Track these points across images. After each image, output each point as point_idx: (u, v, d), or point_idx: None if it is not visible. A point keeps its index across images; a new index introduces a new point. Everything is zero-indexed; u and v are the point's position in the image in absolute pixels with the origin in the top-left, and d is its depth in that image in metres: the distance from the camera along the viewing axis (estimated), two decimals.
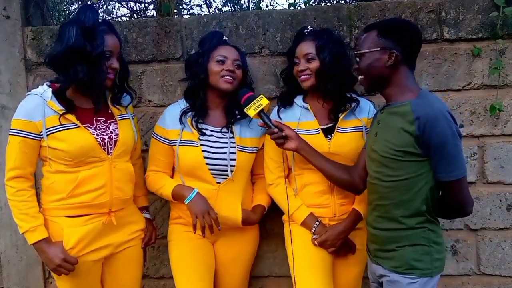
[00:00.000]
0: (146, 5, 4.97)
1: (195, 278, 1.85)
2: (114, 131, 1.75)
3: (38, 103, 1.62)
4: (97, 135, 1.69)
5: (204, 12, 5.38)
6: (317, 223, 1.83)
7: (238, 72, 1.86)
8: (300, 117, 1.86)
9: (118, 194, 1.74)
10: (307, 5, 3.04)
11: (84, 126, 1.66)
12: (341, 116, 1.83)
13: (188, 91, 1.92)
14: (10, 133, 1.63)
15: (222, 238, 1.93)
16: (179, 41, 2.22)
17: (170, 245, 1.95)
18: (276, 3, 7.48)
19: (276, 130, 1.70)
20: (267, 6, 5.05)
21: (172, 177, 1.94)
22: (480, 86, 2.13)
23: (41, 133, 1.62)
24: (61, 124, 1.63)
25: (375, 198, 1.58)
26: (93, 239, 1.70)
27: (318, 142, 1.79)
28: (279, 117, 1.90)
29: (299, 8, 2.50)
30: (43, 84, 1.70)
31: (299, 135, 1.75)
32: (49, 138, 1.62)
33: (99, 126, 1.72)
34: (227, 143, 1.85)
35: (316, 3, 3.88)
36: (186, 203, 1.78)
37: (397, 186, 1.49)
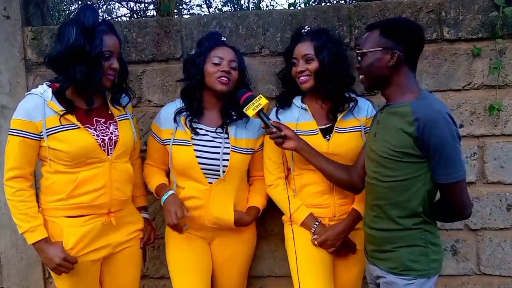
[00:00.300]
0: (146, 5, 4.98)
1: (192, 278, 1.85)
2: (114, 132, 1.74)
3: (38, 103, 1.62)
4: (97, 136, 1.69)
5: (204, 12, 5.39)
6: (317, 223, 1.83)
7: (234, 73, 1.85)
8: (299, 118, 1.86)
9: (117, 194, 1.74)
10: (307, 5, 3.04)
11: (84, 127, 1.66)
12: (339, 116, 1.83)
13: (185, 91, 1.93)
14: (9, 133, 1.63)
15: (218, 238, 1.93)
16: (179, 41, 2.22)
17: (167, 246, 1.95)
18: (276, 3, 7.50)
19: (275, 130, 1.69)
20: (267, 6, 5.04)
21: (168, 174, 1.95)
22: (480, 86, 2.13)
23: (41, 134, 1.62)
24: (62, 125, 1.62)
25: (373, 198, 1.58)
26: (92, 239, 1.70)
27: (317, 142, 1.79)
28: (278, 118, 1.90)
29: (299, 8, 2.50)
30: (42, 84, 1.69)
31: (298, 135, 1.75)
32: (49, 138, 1.62)
33: (99, 127, 1.71)
34: (221, 143, 1.85)
35: (316, 3, 3.88)
36: (162, 203, 1.83)
37: (394, 187, 1.48)
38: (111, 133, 1.73)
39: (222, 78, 1.81)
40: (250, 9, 4.64)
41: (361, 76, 1.58)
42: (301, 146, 1.72)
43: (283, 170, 1.91)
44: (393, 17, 2.06)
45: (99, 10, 4.22)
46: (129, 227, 1.83)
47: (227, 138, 1.86)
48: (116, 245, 1.78)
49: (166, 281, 2.35)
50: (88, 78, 1.60)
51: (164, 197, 1.82)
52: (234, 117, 1.88)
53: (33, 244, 1.64)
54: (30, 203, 1.64)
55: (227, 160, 1.83)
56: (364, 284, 2.00)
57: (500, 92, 2.10)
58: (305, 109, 1.87)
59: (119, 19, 5.04)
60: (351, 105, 1.84)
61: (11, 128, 1.62)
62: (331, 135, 1.82)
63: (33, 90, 1.67)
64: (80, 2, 4.65)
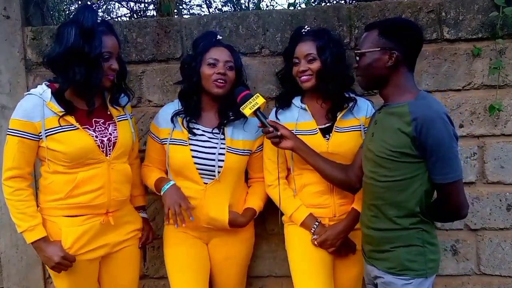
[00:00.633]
0: (146, 5, 4.97)
1: (189, 277, 1.85)
2: (113, 132, 1.74)
3: (37, 104, 1.62)
4: (96, 137, 1.69)
5: (204, 12, 5.38)
6: (317, 223, 1.83)
7: (230, 73, 1.84)
8: (298, 118, 1.86)
9: (115, 195, 1.74)
10: (307, 5, 3.03)
11: (83, 128, 1.66)
12: (339, 116, 1.83)
13: (182, 93, 1.93)
14: (8, 132, 1.63)
15: (215, 239, 1.93)
16: (179, 41, 2.22)
17: (165, 245, 1.95)
18: (276, 3, 7.50)
19: (271, 129, 1.69)
20: (267, 6, 5.04)
21: (166, 175, 1.94)
22: (480, 86, 2.13)
23: (39, 134, 1.62)
24: (60, 126, 1.62)
25: (370, 198, 1.57)
26: (90, 238, 1.71)
27: (317, 142, 1.79)
28: (277, 118, 1.90)
29: (299, 8, 2.50)
30: (42, 84, 1.69)
31: (297, 135, 1.76)
32: (48, 139, 1.62)
33: (98, 128, 1.71)
34: (217, 143, 1.85)
35: (316, 3, 3.87)
36: (161, 193, 1.80)
37: (392, 187, 1.48)
38: (110, 134, 1.73)
39: (219, 81, 1.81)
40: (250, 9, 4.63)
41: (358, 76, 1.58)
42: (298, 145, 1.72)
43: (283, 170, 1.91)
44: (392, 18, 2.06)
45: (99, 10, 4.21)
46: (127, 226, 1.83)
47: (223, 138, 1.86)
48: (114, 245, 1.79)
49: (166, 281, 2.33)
50: (88, 80, 1.60)
51: (166, 186, 1.79)
52: (232, 117, 1.87)
53: (32, 243, 1.64)
54: (28, 202, 1.64)
55: (223, 160, 1.83)
56: (364, 284, 2.00)
57: (500, 92, 2.10)
58: (305, 109, 1.87)
59: (119, 19, 5.04)
60: (350, 105, 1.84)
61: (9, 128, 1.62)
62: (330, 134, 1.82)
63: (32, 90, 1.67)
64: (80, 2, 4.65)
